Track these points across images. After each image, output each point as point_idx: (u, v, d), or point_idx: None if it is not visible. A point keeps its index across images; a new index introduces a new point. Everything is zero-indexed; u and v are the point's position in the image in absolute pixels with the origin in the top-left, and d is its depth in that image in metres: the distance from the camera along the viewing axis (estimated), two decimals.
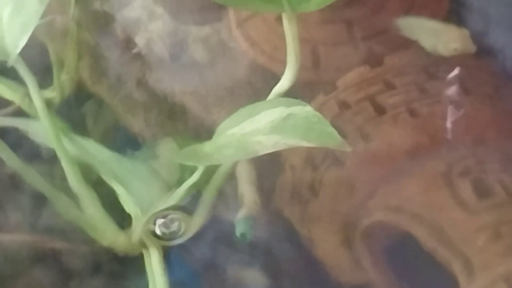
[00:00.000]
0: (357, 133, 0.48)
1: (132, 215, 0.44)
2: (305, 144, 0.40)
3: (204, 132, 0.50)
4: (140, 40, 0.54)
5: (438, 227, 0.44)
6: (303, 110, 0.41)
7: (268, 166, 0.49)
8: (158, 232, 0.44)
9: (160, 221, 0.44)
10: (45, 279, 0.46)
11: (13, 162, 0.44)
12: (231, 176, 0.47)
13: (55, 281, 0.46)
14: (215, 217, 0.46)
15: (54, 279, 0.46)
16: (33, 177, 0.44)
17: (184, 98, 0.52)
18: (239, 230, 0.46)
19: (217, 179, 0.45)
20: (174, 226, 0.44)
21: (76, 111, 0.51)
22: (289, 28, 0.44)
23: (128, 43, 0.54)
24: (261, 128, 0.42)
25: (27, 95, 0.48)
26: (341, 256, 0.47)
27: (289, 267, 0.47)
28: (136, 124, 0.52)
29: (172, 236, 0.44)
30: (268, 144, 0.41)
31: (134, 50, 0.53)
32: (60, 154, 0.44)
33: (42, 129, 0.45)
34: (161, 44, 0.54)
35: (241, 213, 0.46)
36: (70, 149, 0.45)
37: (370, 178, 0.47)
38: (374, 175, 0.47)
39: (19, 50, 0.43)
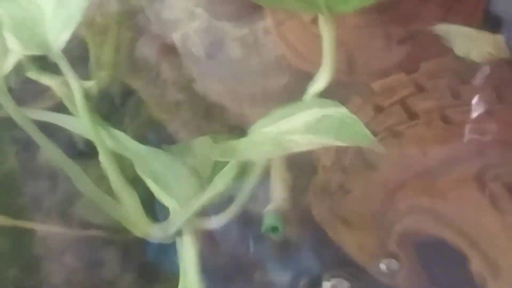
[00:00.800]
0: (390, 136, 0.49)
1: (170, 209, 0.45)
2: (338, 143, 0.42)
3: (238, 131, 0.51)
4: (177, 39, 0.55)
5: (468, 228, 0.45)
6: (338, 111, 0.42)
7: (303, 167, 0.50)
8: None
9: None
10: (77, 266, 0.47)
11: (55, 155, 0.45)
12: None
13: (86, 268, 0.47)
14: (246, 212, 0.47)
15: (86, 266, 0.47)
16: (73, 170, 0.45)
17: (220, 97, 0.53)
18: (267, 224, 0.47)
19: (251, 176, 0.46)
20: None
21: (113, 106, 0.52)
22: (325, 30, 0.45)
23: (166, 42, 0.55)
24: (296, 127, 0.43)
25: (66, 86, 0.49)
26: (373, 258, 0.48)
27: (316, 267, 0.48)
28: (171, 121, 0.53)
29: None
30: (302, 142, 0.42)
31: (171, 49, 0.54)
32: (99, 147, 0.45)
33: (81, 123, 0.46)
34: (198, 43, 0.55)
35: (269, 208, 0.47)
36: (108, 142, 0.46)
37: (401, 180, 0.48)
38: (405, 178, 0.48)
39: (61, 45, 0.44)
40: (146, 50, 0.55)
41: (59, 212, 0.48)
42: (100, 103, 0.50)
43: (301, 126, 0.43)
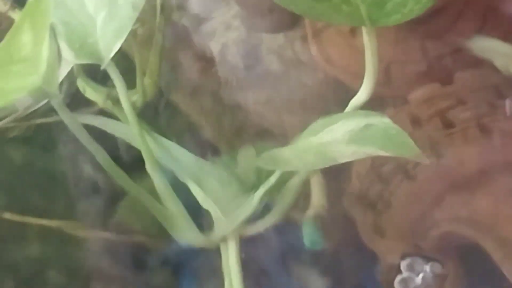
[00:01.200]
0: (428, 147, 0.50)
1: (213, 217, 0.46)
2: (383, 153, 0.42)
3: (277, 140, 0.52)
4: (216, 50, 0.56)
5: (506, 239, 0.46)
6: (382, 121, 0.44)
7: (336, 173, 0.51)
8: None
9: None
10: (117, 272, 0.48)
11: (103, 159, 0.46)
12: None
13: (126, 274, 0.48)
14: (286, 219, 0.48)
15: (126, 272, 0.48)
16: (121, 176, 0.46)
17: (257, 106, 0.55)
18: (307, 237, 0.48)
19: (293, 185, 0.47)
20: None
21: (156, 115, 0.53)
22: (368, 42, 0.46)
23: (205, 54, 0.56)
24: (340, 137, 0.44)
25: (110, 97, 0.50)
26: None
27: (353, 275, 0.49)
28: (210, 131, 0.54)
29: None
30: (347, 152, 0.43)
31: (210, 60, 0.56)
32: (145, 154, 0.46)
33: (127, 129, 0.48)
34: (236, 54, 0.56)
35: (308, 215, 0.48)
36: (155, 150, 0.47)
37: (440, 191, 0.49)
38: (444, 188, 0.49)
39: (112, 54, 0.46)
40: (186, 61, 0.56)
41: (101, 217, 0.49)
42: (144, 111, 0.52)
43: (344, 136, 0.44)
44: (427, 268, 0.48)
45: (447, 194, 0.49)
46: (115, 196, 0.50)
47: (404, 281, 0.48)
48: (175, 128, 0.53)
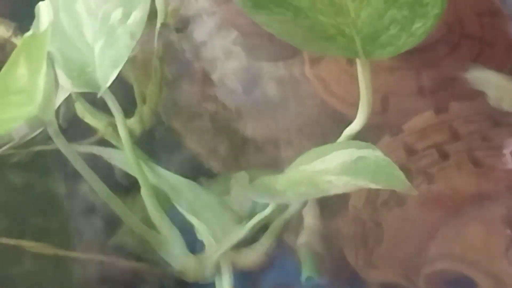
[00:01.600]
0: (421, 176, 0.51)
1: (205, 243, 0.47)
2: (373, 186, 0.43)
3: (274, 167, 0.53)
4: (215, 77, 0.57)
5: (496, 273, 0.46)
6: (373, 154, 0.44)
7: (332, 203, 0.52)
8: None
9: None
10: None
11: (98, 187, 0.47)
12: None
13: None
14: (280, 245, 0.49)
15: None
16: (115, 202, 0.47)
17: (256, 133, 0.56)
18: (305, 271, 0.49)
19: (286, 215, 0.48)
20: None
21: (153, 140, 0.54)
22: (362, 74, 0.47)
23: (204, 79, 0.57)
24: (332, 168, 0.45)
25: (110, 124, 0.51)
26: None
27: None
28: (208, 156, 0.55)
29: None
30: (338, 184, 0.44)
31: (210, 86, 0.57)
32: (140, 181, 0.47)
33: (124, 158, 0.49)
34: (236, 81, 0.57)
35: (301, 240, 0.49)
36: (149, 176, 0.48)
37: (432, 220, 0.50)
38: (436, 218, 0.50)
39: (109, 83, 0.46)
40: (185, 87, 0.57)
41: (99, 242, 0.50)
42: (142, 137, 0.53)
43: (336, 167, 0.44)
44: None
45: (440, 224, 0.50)
46: (112, 219, 0.51)
47: None
48: (172, 153, 0.54)
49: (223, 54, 0.57)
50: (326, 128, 0.55)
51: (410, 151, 0.52)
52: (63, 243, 0.50)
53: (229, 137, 0.55)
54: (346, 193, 0.51)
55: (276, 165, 0.53)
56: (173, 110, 0.56)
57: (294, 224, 0.49)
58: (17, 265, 0.50)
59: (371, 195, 0.51)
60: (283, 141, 0.55)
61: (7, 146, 0.48)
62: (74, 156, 0.46)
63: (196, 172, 0.53)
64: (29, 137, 0.48)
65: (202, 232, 0.47)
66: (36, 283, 0.50)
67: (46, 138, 0.49)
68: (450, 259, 0.48)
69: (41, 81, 0.41)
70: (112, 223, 0.51)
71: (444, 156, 0.51)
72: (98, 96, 0.47)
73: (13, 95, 0.41)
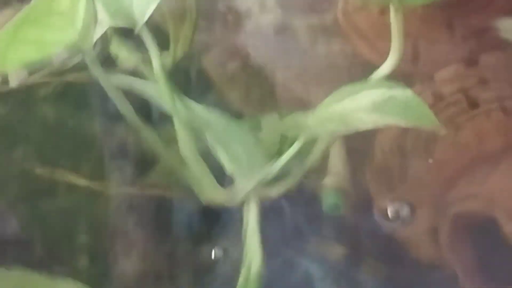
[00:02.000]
0: (450, 124, 0.51)
1: (234, 178, 0.48)
2: (403, 123, 0.44)
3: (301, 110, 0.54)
4: (248, 26, 0.58)
5: None
6: (404, 93, 0.45)
7: (359, 147, 0.53)
8: None
9: None
10: (141, 229, 0.51)
11: (133, 120, 0.49)
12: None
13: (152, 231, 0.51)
14: (304, 187, 0.50)
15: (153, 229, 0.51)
16: (148, 135, 0.49)
17: (287, 82, 0.57)
18: (328, 201, 0.50)
19: (315, 152, 0.49)
20: None
21: (186, 81, 0.55)
22: (394, 20, 0.48)
23: (236, 27, 0.58)
24: (362, 106, 0.46)
25: (144, 61, 0.53)
26: (425, 239, 0.50)
27: (370, 245, 0.51)
28: (238, 98, 0.56)
29: None
30: (368, 121, 0.45)
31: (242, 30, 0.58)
32: (173, 114, 0.49)
33: (157, 90, 0.50)
34: (268, 29, 0.58)
35: (327, 184, 0.50)
36: (182, 110, 0.49)
37: (459, 166, 0.51)
38: (463, 164, 0.51)
39: (146, 18, 0.48)
40: (219, 33, 0.58)
41: (132, 176, 0.52)
42: (175, 77, 0.54)
43: (367, 105, 0.45)
44: None
45: (465, 170, 0.51)
46: (144, 158, 0.52)
47: None
48: (203, 95, 0.55)
49: (256, 6, 0.58)
50: (355, 76, 0.56)
51: (439, 100, 0.53)
52: (94, 179, 0.51)
53: (260, 82, 0.56)
54: (373, 137, 0.52)
55: (305, 108, 0.54)
56: (205, 54, 0.57)
57: (321, 163, 0.50)
58: (50, 198, 0.51)
59: (399, 140, 0.52)
60: (313, 88, 0.56)
61: (44, 71, 0.49)
62: (111, 86, 0.47)
63: (227, 113, 0.54)
64: (67, 65, 0.49)
65: (231, 166, 0.48)
66: (68, 216, 0.51)
67: (80, 69, 0.51)
68: (477, 200, 0.49)
69: (82, 6, 0.42)
70: (144, 161, 0.52)
71: (473, 104, 0.52)
72: (136, 32, 0.48)
73: (55, 16, 0.42)
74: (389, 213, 0.50)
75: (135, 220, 0.51)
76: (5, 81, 0.49)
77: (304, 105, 0.55)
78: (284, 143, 0.50)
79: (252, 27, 0.58)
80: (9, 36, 0.41)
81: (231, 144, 0.49)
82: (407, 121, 0.44)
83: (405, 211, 0.51)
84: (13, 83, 0.48)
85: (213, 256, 0.50)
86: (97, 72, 0.47)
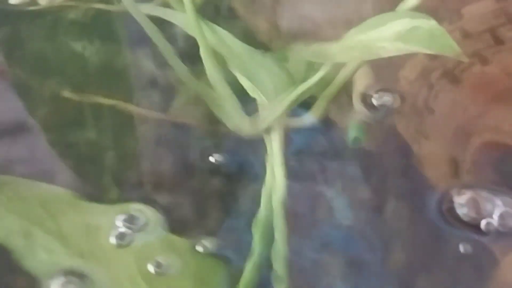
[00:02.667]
0: (476, 57, 0.52)
1: (259, 104, 0.50)
2: (426, 51, 0.46)
3: None
4: None
5: None
6: (428, 23, 0.46)
7: (384, 77, 0.54)
8: None
9: None
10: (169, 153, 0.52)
11: (163, 47, 0.50)
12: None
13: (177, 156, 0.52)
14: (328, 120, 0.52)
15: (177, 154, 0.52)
16: (177, 64, 0.51)
17: (316, 21, 0.58)
18: (351, 134, 0.51)
19: (339, 79, 0.50)
20: None
21: (214, 14, 0.57)
22: None
23: None
24: (387, 36, 0.47)
25: None
26: (446, 170, 0.51)
27: (394, 179, 0.52)
28: (267, 32, 0.57)
29: None
30: (391, 49, 0.46)
31: None
32: (200, 41, 0.50)
33: (184, 18, 0.51)
34: None
35: (354, 118, 0.51)
36: (209, 38, 0.51)
37: (484, 99, 0.52)
38: (488, 97, 0.52)
39: None
40: None
41: (160, 101, 0.53)
42: (203, 9, 0.55)
43: (391, 34, 0.47)
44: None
45: (492, 103, 0.51)
46: (172, 89, 0.54)
47: None
48: (231, 26, 0.56)
49: None
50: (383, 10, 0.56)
51: (466, 35, 0.54)
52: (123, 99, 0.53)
53: (288, 15, 0.58)
54: (399, 66, 0.53)
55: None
56: None
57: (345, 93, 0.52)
58: (79, 124, 0.53)
59: (425, 70, 0.53)
60: (341, 21, 0.57)
61: None
62: (140, 14, 0.49)
63: (255, 46, 0.55)
64: None
65: (257, 93, 0.50)
66: (96, 142, 0.52)
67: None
68: (500, 132, 0.50)
69: None
70: (172, 93, 0.54)
71: (499, 41, 0.53)
72: None
73: None
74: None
75: (163, 147, 0.52)
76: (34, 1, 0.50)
77: (330, 39, 0.56)
78: (309, 71, 0.51)
79: None
80: None
81: (257, 72, 0.50)
82: (430, 49, 0.45)
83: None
84: (43, 1, 0.49)
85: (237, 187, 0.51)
86: (127, 3, 0.48)
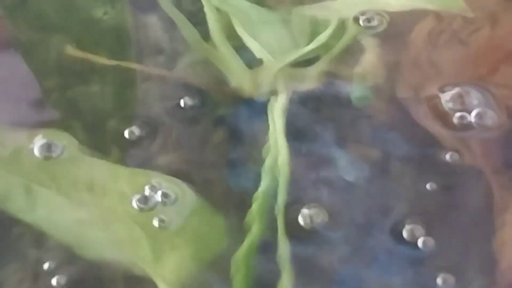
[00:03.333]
0: (485, 19, 0.52)
1: (264, 61, 0.50)
2: (430, 7, 0.46)
3: None
4: None
5: None
6: None
7: (393, 43, 0.54)
8: None
9: None
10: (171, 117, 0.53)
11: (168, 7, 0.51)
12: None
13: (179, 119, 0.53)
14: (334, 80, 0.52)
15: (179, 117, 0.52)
16: (181, 21, 0.51)
17: None
18: (356, 92, 0.51)
19: (345, 39, 0.50)
20: None
21: None
22: None
23: None
24: None
25: None
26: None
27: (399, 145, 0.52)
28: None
29: None
30: (395, 4, 0.46)
31: None
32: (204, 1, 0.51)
33: None
34: None
35: (360, 78, 0.51)
36: None
37: (493, 61, 0.51)
38: (497, 59, 0.51)
39: None
40: None
41: (165, 62, 0.54)
42: None
43: None
44: None
45: (501, 64, 0.51)
46: (177, 53, 0.54)
47: None
48: None
49: None
50: None
51: None
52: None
53: None
54: (408, 30, 0.53)
55: None
56: None
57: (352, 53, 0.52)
58: (84, 83, 0.53)
59: (433, 32, 0.53)
60: None
61: None
62: None
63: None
64: None
65: (260, 50, 0.50)
66: (100, 103, 0.53)
67: None
68: (509, 88, 0.50)
69: None
70: (176, 52, 0.54)
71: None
72: None
73: None
74: None
75: (166, 106, 0.53)
76: None
77: None
78: (315, 30, 0.51)
79: None
80: None
81: (261, 30, 0.51)
82: (434, 5, 0.46)
83: None
84: None
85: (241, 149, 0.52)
86: None
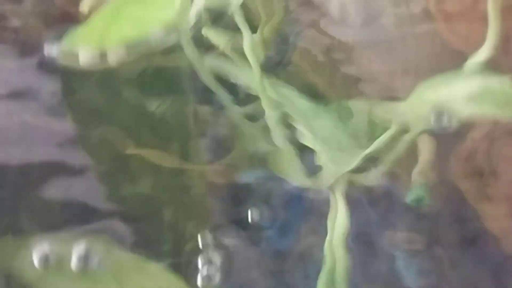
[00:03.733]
0: None
1: (322, 165, 0.50)
2: (499, 115, 0.45)
3: (388, 99, 0.54)
4: (333, 11, 0.59)
5: None
6: (502, 82, 0.46)
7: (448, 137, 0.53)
8: None
9: None
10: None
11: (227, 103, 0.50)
12: None
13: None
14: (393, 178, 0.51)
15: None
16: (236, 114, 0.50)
17: (371, 67, 0.57)
18: (413, 195, 0.50)
19: (404, 141, 0.50)
20: None
21: (272, 67, 0.56)
22: (493, 4, 0.49)
23: (322, 12, 0.59)
24: (458, 95, 0.46)
25: (232, 41, 0.54)
26: None
27: (455, 238, 0.52)
28: (324, 86, 0.57)
29: None
30: (464, 111, 0.46)
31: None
32: (262, 95, 0.50)
33: (247, 72, 0.51)
34: (354, 15, 0.59)
35: (415, 173, 0.51)
36: (272, 95, 0.51)
37: None
38: None
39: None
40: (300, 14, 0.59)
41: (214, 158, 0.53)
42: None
43: (463, 95, 0.46)
44: None
45: None
46: (227, 142, 0.53)
47: None
48: (289, 78, 0.56)
49: None
50: (445, 66, 0.56)
51: None
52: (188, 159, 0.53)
53: (345, 70, 0.57)
54: (465, 125, 0.53)
55: (391, 98, 0.55)
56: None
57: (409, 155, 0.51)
58: (133, 182, 0.52)
59: (491, 128, 0.52)
60: (398, 75, 0.57)
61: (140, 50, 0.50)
62: (204, 67, 0.49)
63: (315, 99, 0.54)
64: (162, 46, 0.51)
65: (320, 153, 0.49)
66: (152, 200, 0.52)
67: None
68: None
69: None
70: (227, 145, 0.54)
71: None
72: (230, 12, 0.50)
73: None
74: None
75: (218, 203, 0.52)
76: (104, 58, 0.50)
77: (389, 94, 0.55)
78: (374, 130, 0.51)
79: (340, 15, 0.59)
80: (111, 13, 0.42)
81: (320, 128, 0.50)
82: (504, 113, 0.45)
83: None
84: (112, 61, 0.49)
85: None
86: (192, 53, 0.48)
